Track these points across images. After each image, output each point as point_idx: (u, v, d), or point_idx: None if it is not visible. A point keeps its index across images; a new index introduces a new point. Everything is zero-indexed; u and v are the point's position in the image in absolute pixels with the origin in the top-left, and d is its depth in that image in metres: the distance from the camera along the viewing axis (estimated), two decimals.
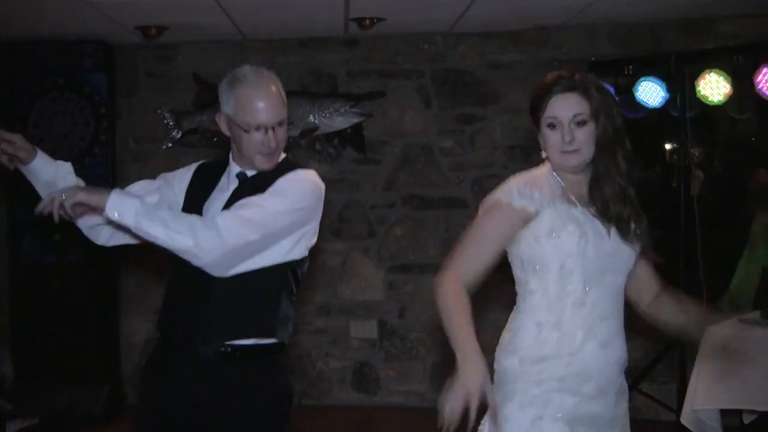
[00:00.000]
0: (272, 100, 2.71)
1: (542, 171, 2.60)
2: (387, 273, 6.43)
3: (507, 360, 2.55)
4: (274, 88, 2.73)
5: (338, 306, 6.45)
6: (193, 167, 2.94)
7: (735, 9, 5.64)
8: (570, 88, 2.49)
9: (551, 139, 2.52)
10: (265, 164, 2.75)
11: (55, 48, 6.20)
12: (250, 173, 2.79)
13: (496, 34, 6.23)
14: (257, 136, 2.68)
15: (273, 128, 2.69)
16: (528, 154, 2.58)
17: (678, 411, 4.65)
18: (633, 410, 5.90)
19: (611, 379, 2.54)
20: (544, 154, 2.58)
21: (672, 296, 2.75)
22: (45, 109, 6.30)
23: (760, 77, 4.80)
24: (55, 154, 5.38)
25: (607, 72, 5.63)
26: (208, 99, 6.30)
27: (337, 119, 6.18)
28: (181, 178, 2.90)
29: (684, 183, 5.36)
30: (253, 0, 5.18)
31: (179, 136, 6.32)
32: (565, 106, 2.49)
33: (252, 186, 2.75)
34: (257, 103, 2.68)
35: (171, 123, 6.28)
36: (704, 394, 4.25)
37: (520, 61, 6.22)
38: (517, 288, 2.63)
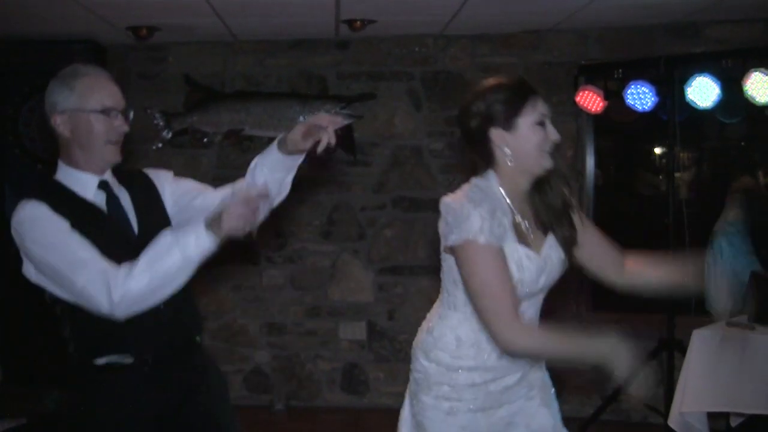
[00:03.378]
0: (116, 87, 2.73)
1: (492, 189, 2.58)
2: (376, 275, 6.43)
3: (426, 362, 2.66)
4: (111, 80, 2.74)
5: (328, 307, 6.46)
6: (42, 210, 2.61)
7: (724, 14, 5.66)
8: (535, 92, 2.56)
9: (536, 137, 2.51)
10: (117, 155, 2.74)
11: (45, 48, 6.18)
12: (110, 179, 2.75)
13: (487, 36, 6.24)
14: (108, 120, 2.67)
15: (121, 114, 2.71)
16: None
17: (666, 414, 4.67)
18: (622, 414, 5.92)
19: (522, 373, 2.64)
20: (509, 162, 2.54)
21: (637, 260, 2.78)
22: (35, 109, 6.28)
23: (748, 82, 4.83)
24: (45, 155, 5.36)
25: (597, 75, 5.66)
26: (198, 100, 6.30)
27: None
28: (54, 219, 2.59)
29: (672, 187, 5.38)
30: (244, 1, 5.18)
31: (170, 137, 6.31)
32: (541, 108, 2.53)
33: (132, 195, 2.76)
34: (107, 86, 2.70)
35: (161, 124, 6.27)
36: (692, 397, 4.27)
37: (510, 64, 6.22)
38: (443, 293, 2.68)
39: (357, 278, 6.44)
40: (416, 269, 6.34)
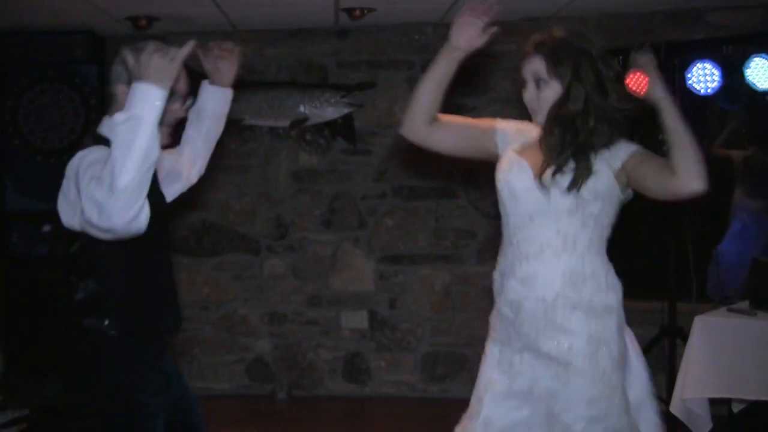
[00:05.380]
0: (184, 73, 2.79)
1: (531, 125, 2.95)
2: (377, 264, 6.43)
3: None
4: None
5: (329, 297, 6.46)
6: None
7: (724, 0, 5.64)
8: (536, 50, 2.78)
9: (525, 96, 2.83)
10: (165, 138, 2.79)
11: (44, 39, 6.17)
12: None
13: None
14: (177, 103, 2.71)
15: (181, 100, 2.76)
16: None
17: (667, 401, 4.67)
18: None
19: (534, 314, 2.76)
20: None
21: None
22: (35, 100, 6.28)
23: (749, 68, 4.82)
24: (45, 146, 5.32)
25: None
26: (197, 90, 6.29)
27: (327, 110, 6.18)
28: None
29: None
30: None
31: None
32: (529, 68, 2.81)
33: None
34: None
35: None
36: (694, 384, 4.27)
37: (510, 51, 6.18)
38: None
39: (358, 267, 6.44)
40: (417, 258, 6.34)
